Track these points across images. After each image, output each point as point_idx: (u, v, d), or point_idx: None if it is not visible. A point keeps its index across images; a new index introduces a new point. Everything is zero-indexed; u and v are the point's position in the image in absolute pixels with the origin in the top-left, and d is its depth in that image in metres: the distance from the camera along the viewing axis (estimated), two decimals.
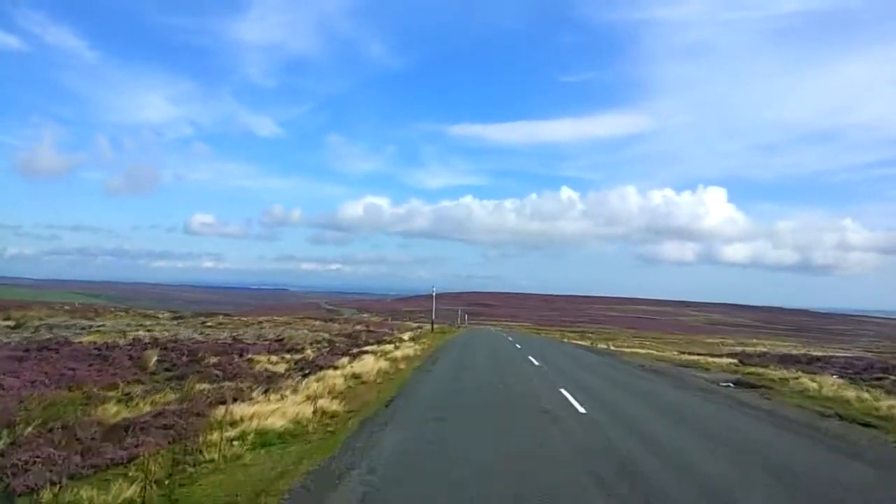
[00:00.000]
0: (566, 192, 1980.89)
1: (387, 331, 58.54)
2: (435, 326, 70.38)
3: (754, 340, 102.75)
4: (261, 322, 59.80)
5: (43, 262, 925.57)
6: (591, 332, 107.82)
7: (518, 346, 40.68)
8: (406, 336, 43.69)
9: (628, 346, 59.44)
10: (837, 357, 40.28)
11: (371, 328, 63.64)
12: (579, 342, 63.45)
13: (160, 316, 68.27)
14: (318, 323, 65.69)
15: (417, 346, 32.19)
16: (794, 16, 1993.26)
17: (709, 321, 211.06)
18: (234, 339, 34.29)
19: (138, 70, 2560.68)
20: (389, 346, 29.57)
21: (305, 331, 48.12)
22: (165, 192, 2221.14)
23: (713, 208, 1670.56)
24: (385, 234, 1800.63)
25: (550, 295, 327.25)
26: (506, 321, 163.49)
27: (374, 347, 28.53)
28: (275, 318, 69.41)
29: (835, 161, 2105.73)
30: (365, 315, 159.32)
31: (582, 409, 13.11)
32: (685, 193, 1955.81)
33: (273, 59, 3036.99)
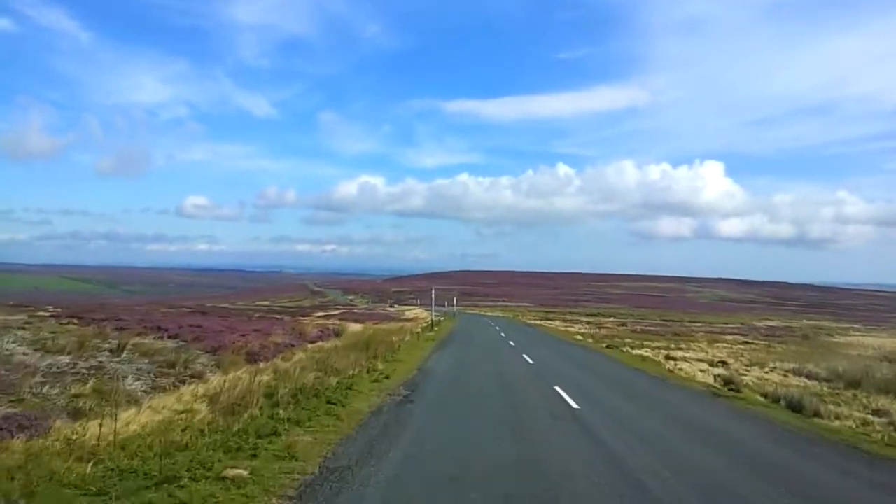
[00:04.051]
0: (562, 169, 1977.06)
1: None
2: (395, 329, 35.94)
3: (806, 322, 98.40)
4: None
5: (35, 246, 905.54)
6: (626, 320, 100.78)
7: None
8: None
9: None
10: None
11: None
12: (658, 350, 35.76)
13: None
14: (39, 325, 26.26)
15: None
16: None
17: (717, 298, 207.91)
18: None
19: (132, 51, 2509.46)
20: None
21: None
22: (159, 175, 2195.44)
23: (710, 182, 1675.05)
24: (380, 213, 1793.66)
25: (549, 273, 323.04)
26: (503, 302, 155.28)
27: None
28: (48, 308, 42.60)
29: (830, 134, 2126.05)
30: (308, 300, 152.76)
31: None
32: (682, 168, 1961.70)
33: (267, 40, 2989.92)
